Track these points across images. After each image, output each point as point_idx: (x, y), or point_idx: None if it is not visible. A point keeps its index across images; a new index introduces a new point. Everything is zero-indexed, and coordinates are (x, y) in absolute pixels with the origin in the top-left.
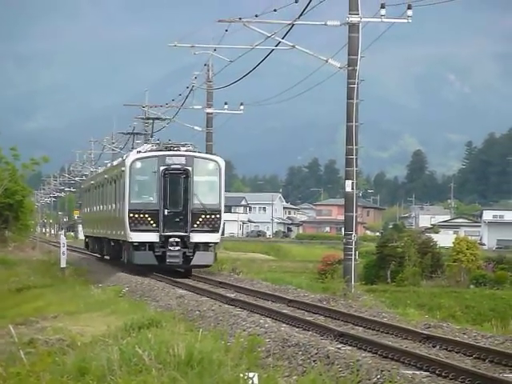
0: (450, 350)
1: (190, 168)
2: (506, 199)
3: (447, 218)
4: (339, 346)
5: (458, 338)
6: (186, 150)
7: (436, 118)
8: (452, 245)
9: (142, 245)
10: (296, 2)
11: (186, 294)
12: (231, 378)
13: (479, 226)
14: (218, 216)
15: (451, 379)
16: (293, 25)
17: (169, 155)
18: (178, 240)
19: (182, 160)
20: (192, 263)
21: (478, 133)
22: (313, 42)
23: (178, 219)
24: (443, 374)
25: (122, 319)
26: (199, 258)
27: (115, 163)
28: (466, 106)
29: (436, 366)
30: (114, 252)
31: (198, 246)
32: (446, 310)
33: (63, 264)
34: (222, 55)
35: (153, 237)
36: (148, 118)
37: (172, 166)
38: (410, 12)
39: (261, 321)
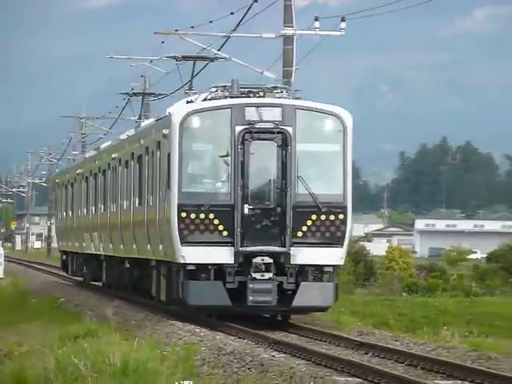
0: (382, 357)
1: (290, 128)
2: (438, 208)
3: (380, 226)
4: (273, 353)
5: (390, 345)
6: (279, 97)
7: (369, 128)
8: (385, 253)
9: (202, 270)
10: (232, 14)
11: (123, 304)
12: None
13: (412, 234)
14: (341, 217)
15: None
16: (229, 37)
17: (251, 104)
18: (270, 261)
19: (276, 113)
20: (294, 304)
21: (411, 143)
22: (248, 54)
23: (268, 223)
24: (375, 380)
25: (59, 329)
26: (307, 295)
27: (135, 131)
28: (398, 116)
29: (368, 372)
30: (129, 279)
31: (304, 273)
32: (379, 317)
33: (0, 274)
34: (159, 67)
35: (223, 255)
36: (83, 134)
37: (257, 126)
38: (343, 24)
39: (196, 330)
